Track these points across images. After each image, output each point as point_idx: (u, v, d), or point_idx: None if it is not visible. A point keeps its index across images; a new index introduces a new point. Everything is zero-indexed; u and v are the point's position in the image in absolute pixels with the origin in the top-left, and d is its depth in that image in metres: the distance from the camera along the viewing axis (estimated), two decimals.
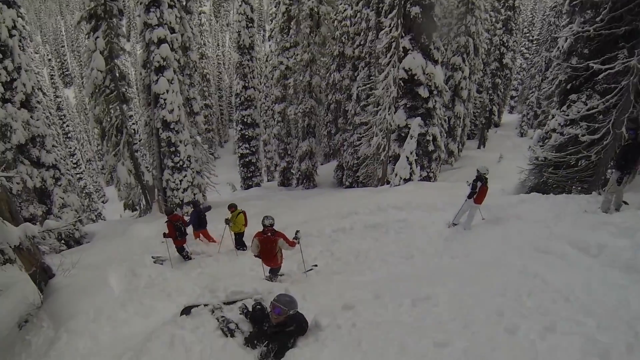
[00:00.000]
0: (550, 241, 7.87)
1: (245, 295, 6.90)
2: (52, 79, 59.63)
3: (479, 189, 10.30)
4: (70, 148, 48.65)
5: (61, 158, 20.68)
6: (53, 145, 19.49)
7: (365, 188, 22.83)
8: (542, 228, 8.97)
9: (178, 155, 19.85)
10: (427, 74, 19.79)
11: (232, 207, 12.66)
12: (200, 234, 13.75)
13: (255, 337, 5.79)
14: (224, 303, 6.74)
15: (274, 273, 9.69)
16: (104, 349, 6.55)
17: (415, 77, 19.73)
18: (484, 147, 40.54)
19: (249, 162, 36.62)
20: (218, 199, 24.50)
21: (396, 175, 18.02)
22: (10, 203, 8.91)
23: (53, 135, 20.07)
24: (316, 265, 10.51)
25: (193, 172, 20.73)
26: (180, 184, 20.33)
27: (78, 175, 45.52)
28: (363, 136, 23.97)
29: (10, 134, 17.05)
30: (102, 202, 53.52)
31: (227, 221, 12.44)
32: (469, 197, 10.41)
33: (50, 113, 42.49)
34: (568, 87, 12.59)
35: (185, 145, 19.97)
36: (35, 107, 18.36)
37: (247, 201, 22.26)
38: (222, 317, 6.34)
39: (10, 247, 6.96)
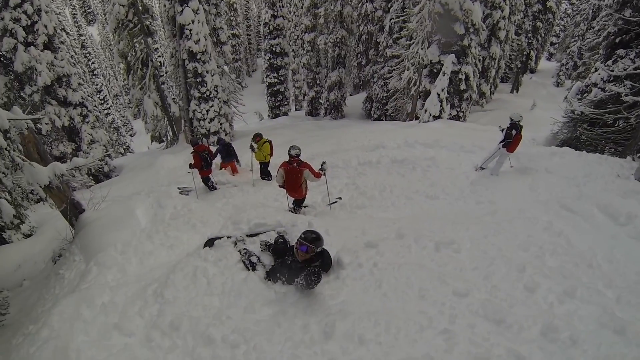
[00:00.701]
0: (578, 201, 7.61)
1: (269, 228, 6.83)
2: (74, 17, 59.21)
3: (513, 138, 9.92)
4: (97, 85, 49.18)
5: (88, 95, 20.97)
6: (79, 84, 19.70)
7: (393, 122, 22.49)
8: (571, 186, 8.81)
9: (205, 85, 19.67)
10: (464, 10, 18.72)
11: (258, 137, 12.53)
12: (228, 166, 13.75)
13: (277, 270, 5.72)
14: (247, 235, 6.69)
15: (298, 204, 9.62)
16: (131, 280, 6.64)
17: (452, 13, 18.76)
18: (516, 92, 38.85)
19: (277, 92, 36.17)
20: (245, 128, 24.65)
21: (426, 111, 17.56)
22: (38, 144, 8.94)
23: (79, 74, 20.22)
24: (340, 198, 10.36)
25: (220, 102, 20.62)
26: (207, 114, 20.32)
27: (106, 111, 46.26)
28: (394, 69, 23.42)
29: (36, 77, 17.27)
30: (130, 135, 54.38)
31: (252, 147, 12.35)
32: (504, 145, 10.00)
33: (74, 52, 42.60)
34: (617, 40, 11.72)
35: (212, 76, 19.73)
36: (59, 48, 18.37)
37: (274, 130, 22.16)
38: (245, 249, 6.30)
39: (40, 186, 6.95)
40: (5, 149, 6.32)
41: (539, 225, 6.55)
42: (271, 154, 12.64)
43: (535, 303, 4.58)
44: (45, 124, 18.47)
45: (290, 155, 8.78)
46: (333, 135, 18.32)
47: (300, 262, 5.45)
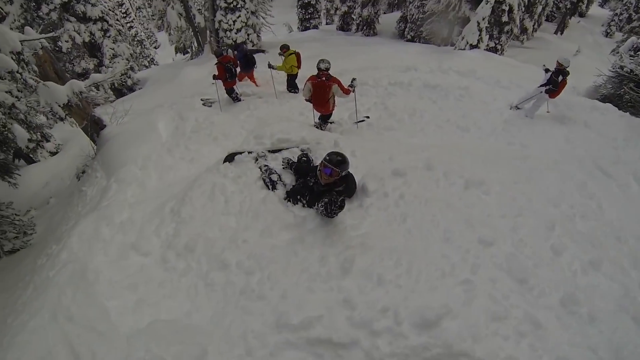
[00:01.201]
0: (615, 165, 7.16)
1: (292, 144, 6.44)
2: None
3: (559, 84, 9.07)
4: None
5: (109, 10, 20.32)
6: None
7: (427, 45, 21.27)
8: (609, 147, 8.17)
9: None
10: None
11: (284, 48, 11.87)
12: (246, 77, 13.19)
13: (298, 191, 5.38)
14: (269, 151, 6.34)
15: (324, 120, 9.22)
16: (150, 196, 6.47)
17: None
18: (561, 34, 35.53)
19: (307, 4, 34.43)
20: (273, 40, 23.64)
21: (463, 38, 16.34)
22: (54, 63, 8.68)
23: None
24: (368, 117, 9.83)
25: (247, 12, 19.82)
26: (234, 24, 19.66)
27: (128, 24, 45.30)
28: None
29: None
30: (155, 47, 53.37)
31: (270, 66, 11.69)
32: (547, 91, 9.15)
33: None
34: None
35: None
36: None
37: (303, 43, 21.25)
38: (266, 166, 5.97)
39: (59, 105, 6.71)
40: (17, 72, 6.05)
41: (573, 182, 6.13)
42: (298, 66, 12.02)
43: (560, 268, 4.29)
44: (65, 41, 18.28)
45: (319, 69, 8.25)
46: (364, 51, 17.37)
47: (322, 185, 5.05)
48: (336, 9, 34.68)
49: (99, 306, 4.28)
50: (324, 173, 4.91)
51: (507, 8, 18.36)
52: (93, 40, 19.37)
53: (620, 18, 37.13)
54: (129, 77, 20.55)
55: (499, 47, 19.85)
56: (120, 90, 19.93)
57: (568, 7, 35.42)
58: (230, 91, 11.91)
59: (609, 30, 37.81)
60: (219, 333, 3.97)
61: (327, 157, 4.89)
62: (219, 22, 19.79)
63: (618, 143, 8.37)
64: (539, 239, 4.57)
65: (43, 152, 13.62)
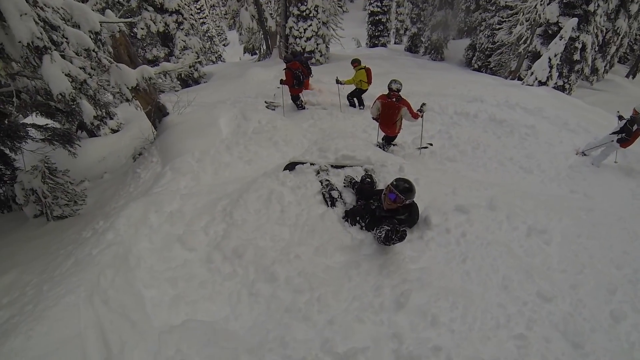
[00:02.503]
0: None
1: (356, 162, 6.21)
2: None
3: (633, 133, 8.34)
4: None
5: (185, 4, 20.93)
6: None
7: (494, 76, 20.65)
8: None
9: (305, 3, 19.10)
10: None
11: (356, 63, 11.67)
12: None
13: (358, 212, 5.13)
14: (332, 166, 6.12)
15: (388, 141, 8.93)
16: (203, 190, 6.34)
17: None
18: (633, 77, 32.56)
19: (378, 21, 34.14)
20: (341, 52, 23.70)
21: (532, 74, 15.66)
22: (129, 47, 9.03)
23: None
24: (431, 144, 9.49)
25: (319, 22, 19.95)
26: (304, 32, 19.82)
27: (201, 20, 46.36)
28: (505, 21, 21.91)
29: None
30: (223, 45, 54.64)
31: (338, 81, 11.52)
32: (619, 140, 8.41)
33: None
34: None
35: None
36: None
37: (371, 60, 21.03)
38: (327, 181, 5.75)
39: (128, 88, 6.84)
40: (94, 50, 6.13)
41: (636, 244, 5.42)
42: (368, 82, 11.74)
43: (617, 337, 3.84)
44: (141, 28, 18.97)
45: (390, 89, 8.03)
46: (431, 76, 16.98)
47: (385, 210, 4.80)
48: (406, 29, 34.94)
49: (136, 294, 4.14)
50: (388, 198, 4.67)
51: (580, 46, 17.72)
52: (167, 31, 20.00)
53: None
54: (196, 70, 21.03)
55: (567, 86, 19.01)
56: (186, 81, 20.45)
57: None
58: (295, 98, 11.80)
59: None
60: (257, 345, 3.75)
61: (395, 183, 4.66)
62: (290, 28, 20.00)
63: None
64: (599, 302, 4.19)
65: (105, 128, 13.96)
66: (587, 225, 5.56)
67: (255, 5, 20.23)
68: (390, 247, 4.55)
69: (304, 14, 19.32)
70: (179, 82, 19.61)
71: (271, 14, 22.34)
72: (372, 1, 33.62)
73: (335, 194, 5.50)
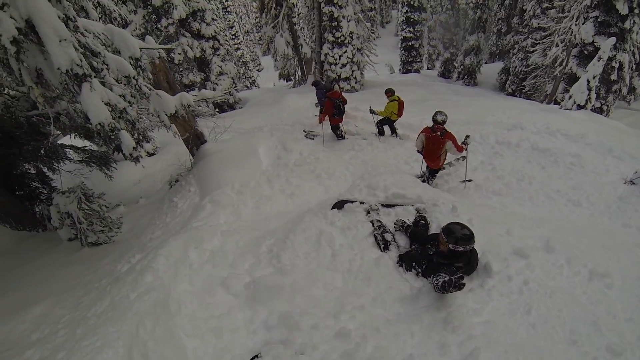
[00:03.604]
0: None
1: (407, 201, 5.87)
2: None
3: None
4: (229, 21, 50.53)
5: (220, 30, 21.29)
6: (212, 19, 20.17)
7: (531, 101, 20.09)
8: None
9: (340, 30, 19.11)
10: None
11: (389, 92, 11.34)
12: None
13: (414, 258, 4.77)
14: (382, 205, 5.79)
15: (432, 174, 8.59)
16: (244, 226, 6.09)
17: None
18: None
19: (410, 47, 34.49)
20: (375, 79, 23.71)
21: (570, 97, 15.13)
22: (168, 73, 8.93)
23: (212, 10, 20.69)
24: (471, 180, 9.16)
25: (354, 48, 19.94)
26: (340, 59, 19.81)
27: (236, 46, 47.46)
28: (539, 43, 21.18)
29: (172, 10, 18.09)
30: (258, 70, 55.47)
31: (371, 111, 11.32)
32: None
33: None
34: None
35: (348, 21, 19.08)
36: None
37: (406, 86, 21.01)
38: (379, 222, 5.40)
39: (166, 115, 6.78)
40: (134, 77, 6.02)
41: None
42: (399, 114, 11.40)
43: None
44: (178, 54, 19.25)
45: (435, 121, 7.67)
46: (468, 103, 16.62)
47: (443, 256, 4.48)
48: (438, 54, 35.25)
49: (178, 345, 3.85)
50: (447, 244, 4.34)
51: (617, 65, 17.10)
52: (203, 56, 20.16)
53: None
54: (232, 95, 21.14)
55: (604, 107, 18.41)
56: (222, 106, 20.54)
57: None
58: (335, 128, 11.55)
59: None
60: None
61: (453, 230, 4.37)
62: (325, 54, 20.02)
63: None
64: None
65: (141, 151, 13.92)
66: None
67: (290, 31, 20.35)
68: (449, 295, 4.25)
69: (339, 40, 19.34)
70: (216, 109, 19.75)
71: (305, 40, 22.41)
72: (404, 27, 33.96)
73: (388, 236, 5.15)
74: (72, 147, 9.04)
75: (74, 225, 7.41)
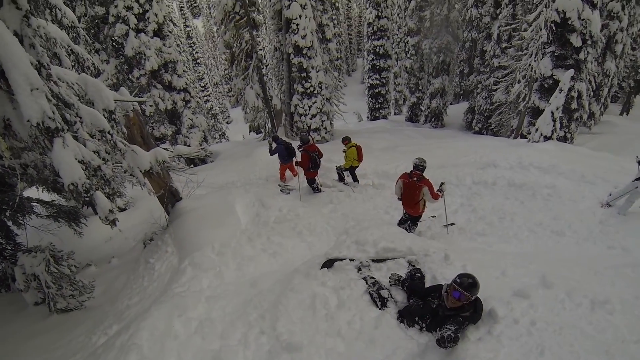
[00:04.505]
0: None
1: (398, 254, 5.73)
2: (181, 10, 62.48)
3: None
4: (199, 73, 51.45)
5: (191, 82, 21.39)
6: (184, 71, 20.23)
7: (499, 138, 20.93)
8: None
9: (309, 81, 19.23)
10: (582, 20, 16.63)
11: (346, 140, 11.53)
12: (287, 167, 12.77)
13: (416, 312, 4.61)
14: (373, 260, 5.63)
15: (414, 222, 8.43)
16: (229, 290, 5.80)
17: (569, 22, 16.75)
18: (626, 114, 34.30)
19: (377, 94, 35.42)
20: (344, 128, 23.98)
21: (537, 130, 15.75)
22: (142, 127, 8.68)
23: (183, 61, 20.73)
24: (453, 224, 9.17)
25: (323, 98, 20.05)
26: (309, 110, 19.82)
27: (205, 98, 47.92)
28: (501, 81, 22.07)
29: (144, 61, 18.05)
30: (227, 122, 55.52)
31: (338, 167, 11.61)
32: None
33: (180, 41, 44.39)
34: None
35: (317, 72, 19.26)
36: (167, 36, 19.20)
37: (375, 133, 21.48)
38: (372, 278, 5.23)
39: (141, 171, 6.56)
40: (108, 132, 5.79)
41: None
42: (359, 159, 11.55)
43: None
44: (150, 106, 19.08)
45: (413, 166, 7.68)
46: (439, 145, 16.84)
47: (449, 308, 4.37)
48: (404, 99, 35.68)
49: None
50: (452, 296, 4.30)
51: (576, 94, 17.93)
52: (174, 109, 20.04)
53: None
54: (203, 149, 20.89)
55: (568, 135, 19.17)
56: (193, 160, 20.24)
57: (632, 85, 33.81)
58: (311, 181, 11.41)
59: None
60: None
61: (458, 280, 4.32)
62: (295, 105, 20.01)
63: None
64: None
65: (115, 210, 13.27)
66: (636, 284, 5.40)
67: (260, 83, 20.32)
68: (460, 347, 4.15)
69: (309, 91, 19.40)
70: (190, 165, 19.55)
71: (275, 92, 22.60)
72: (370, 74, 34.79)
73: (384, 293, 4.97)
74: (39, 200, 8.61)
75: (41, 289, 6.95)
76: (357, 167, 11.64)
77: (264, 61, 29.24)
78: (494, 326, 4.38)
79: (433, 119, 29.87)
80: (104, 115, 5.81)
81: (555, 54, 17.59)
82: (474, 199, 10.13)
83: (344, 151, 11.45)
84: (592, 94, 23.01)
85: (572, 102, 18.01)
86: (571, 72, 14.59)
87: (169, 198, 9.27)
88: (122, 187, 12.95)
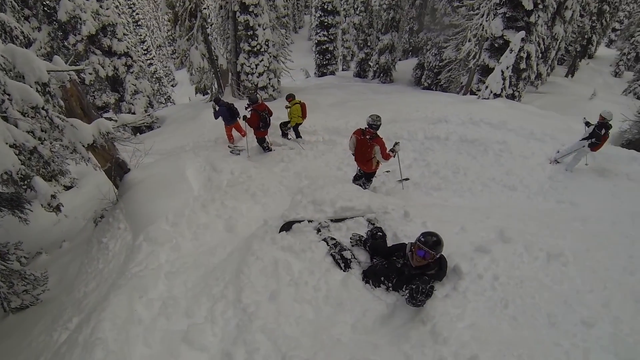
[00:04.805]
0: None
1: (357, 213, 5.71)
2: None
3: (602, 138, 8.89)
4: (141, 35, 48.59)
5: (132, 46, 20.29)
6: (124, 34, 19.14)
7: (449, 94, 21.12)
8: None
9: (256, 39, 18.53)
10: None
11: (290, 97, 11.50)
12: (233, 128, 12.44)
13: (381, 272, 4.61)
14: (332, 220, 5.58)
15: (368, 179, 8.40)
16: (188, 263, 5.63)
17: None
18: (571, 76, 35.62)
19: (325, 50, 35.00)
20: (292, 85, 23.54)
21: (487, 87, 16.24)
22: (82, 98, 7.96)
23: (123, 24, 19.57)
24: (408, 179, 9.25)
25: (270, 56, 19.47)
26: (256, 68, 19.20)
27: (148, 61, 45.80)
28: (452, 39, 22.37)
29: (80, 26, 16.83)
30: (172, 85, 53.59)
31: (283, 125, 11.49)
32: (590, 145, 8.94)
33: (119, 2, 41.87)
34: None
35: (264, 29, 18.56)
36: None
37: (323, 89, 21.10)
38: (333, 239, 5.19)
39: (84, 146, 6.11)
40: (43, 107, 5.32)
41: (637, 246, 5.60)
42: (303, 116, 11.52)
43: None
44: (89, 74, 18.01)
45: (368, 124, 7.42)
46: (390, 101, 16.77)
47: (414, 267, 4.39)
48: (352, 55, 35.81)
49: None
50: (417, 255, 4.30)
51: (525, 55, 18.69)
52: (116, 75, 19.09)
53: (629, 57, 37.49)
54: (149, 115, 20.11)
55: (516, 93, 20.00)
56: (139, 127, 19.44)
57: (578, 50, 35.55)
58: (261, 140, 11.17)
59: (617, 70, 37.96)
60: None
61: (422, 239, 4.30)
62: (242, 65, 19.36)
63: None
64: (632, 314, 4.24)
65: (57, 186, 12.74)
66: (589, 238, 5.67)
67: (205, 43, 19.47)
68: (428, 305, 4.25)
69: (255, 49, 18.81)
70: (136, 133, 18.77)
71: (221, 51, 21.72)
72: (318, 31, 34.25)
73: (347, 254, 4.95)
74: None
75: None
76: (301, 124, 11.61)
77: (209, 20, 28.05)
78: (459, 282, 4.50)
79: (382, 75, 29.85)
80: (36, 89, 5.32)
81: (507, 15, 18.03)
82: (427, 154, 10.25)
83: (287, 107, 11.37)
84: (540, 55, 23.72)
85: (521, 62, 18.79)
86: (522, 33, 15.05)
87: (117, 171, 8.79)
88: (64, 165, 12.36)
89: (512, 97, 19.13)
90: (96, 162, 8.08)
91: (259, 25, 18.28)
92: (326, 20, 33.13)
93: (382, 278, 4.56)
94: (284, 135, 11.91)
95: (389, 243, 5.09)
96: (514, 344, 3.83)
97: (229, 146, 11.91)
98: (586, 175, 8.94)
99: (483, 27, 18.45)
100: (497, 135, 10.53)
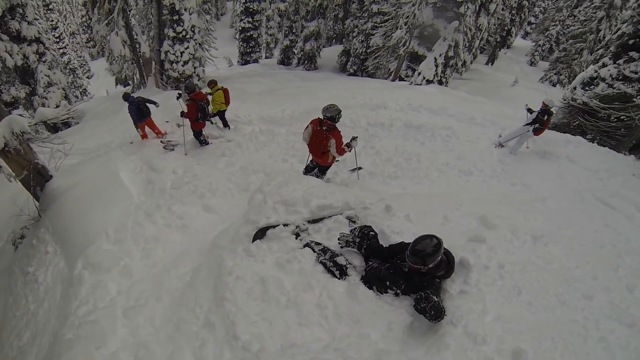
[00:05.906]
0: (614, 197, 7.23)
1: (336, 211, 5.20)
2: None
3: (544, 123, 9.62)
4: (52, 21, 43.62)
5: (44, 31, 18.12)
6: (34, 18, 16.98)
7: (379, 80, 22.02)
8: (595, 179, 8.67)
9: (181, 24, 17.42)
10: None
11: (212, 84, 10.97)
12: (146, 126, 11.35)
13: (387, 277, 4.14)
14: (309, 222, 5.00)
15: (322, 171, 7.97)
16: (147, 292, 4.73)
17: None
18: (491, 64, 39.53)
19: (249, 37, 34.13)
20: (216, 73, 22.54)
21: (419, 74, 17.65)
22: None
23: (33, 6, 17.32)
24: (361, 168, 8.94)
25: (195, 43, 18.49)
26: (181, 56, 18.12)
27: (61, 50, 41.85)
28: (380, 26, 22.99)
29: None
30: (87, 77, 49.53)
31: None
32: (534, 130, 9.61)
33: None
34: (630, 42, 11.93)
35: (190, 14, 17.50)
36: None
37: (249, 78, 20.88)
38: (318, 244, 4.61)
39: None
40: None
41: (595, 220, 6.09)
42: (226, 102, 11.13)
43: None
44: None
45: (324, 116, 6.90)
46: (322, 87, 16.77)
47: (423, 273, 4.01)
48: (276, 42, 35.77)
49: None
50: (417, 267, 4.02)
51: (453, 44, 19.58)
52: (26, 64, 16.98)
53: (543, 48, 42.29)
54: (73, 109, 18.26)
55: (444, 79, 20.90)
56: (55, 125, 17.45)
57: (498, 40, 38.95)
58: (198, 133, 10.32)
59: (533, 60, 42.46)
60: None
61: (419, 246, 3.97)
62: (166, 52, 18.19)
63: (601, 174, 8.81)
64: (615, 283, 4.53)
65: None
66: (556, 217, 5.86)
67: (126, 29, 17.69)
68: (449, 305, 4.04)
69: (181, 35, 17.74)
70: (46, 128, 16.89)
71: (144, 38, 20.21)
72: (242, 17, 33.52)
73: (341, 260, 4.41)
74: None
75: None
76: (225, 110, 11.11)
77: (130, 3, 26.22)
78: (468, 275, 4.34)
79: (306, 62, 30.01)
80: None
81: (437, 5, 19.25)
82: (374, 141, 10.21)
83: (209, 94, 10.72)
84: (467, 44, 25.11)
85: (450, 50, 19.63)
86: (456, 23, 16.45)
87: (36, 179, 7.47)
88: None
89: (439, 82, 20.14)
90: (10, 170, 6.81)
91: (185, 10, 17.26)
92: (252, 6, 32.43)
93: (388, 282, 4.12)
94: (225, 125, 11.28)
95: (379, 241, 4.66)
96: (540, 329, 3.80)
97: (161, 141, 10.80)
98: (531, 158, 9.50)
99: (415, 16, 19.13)
100: (440, 121, 10.90)
